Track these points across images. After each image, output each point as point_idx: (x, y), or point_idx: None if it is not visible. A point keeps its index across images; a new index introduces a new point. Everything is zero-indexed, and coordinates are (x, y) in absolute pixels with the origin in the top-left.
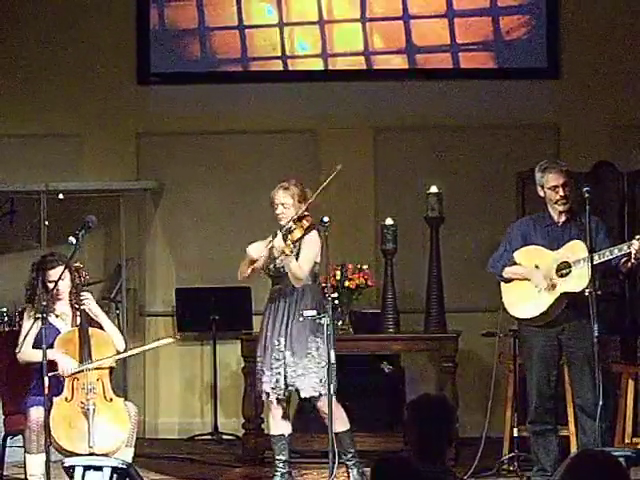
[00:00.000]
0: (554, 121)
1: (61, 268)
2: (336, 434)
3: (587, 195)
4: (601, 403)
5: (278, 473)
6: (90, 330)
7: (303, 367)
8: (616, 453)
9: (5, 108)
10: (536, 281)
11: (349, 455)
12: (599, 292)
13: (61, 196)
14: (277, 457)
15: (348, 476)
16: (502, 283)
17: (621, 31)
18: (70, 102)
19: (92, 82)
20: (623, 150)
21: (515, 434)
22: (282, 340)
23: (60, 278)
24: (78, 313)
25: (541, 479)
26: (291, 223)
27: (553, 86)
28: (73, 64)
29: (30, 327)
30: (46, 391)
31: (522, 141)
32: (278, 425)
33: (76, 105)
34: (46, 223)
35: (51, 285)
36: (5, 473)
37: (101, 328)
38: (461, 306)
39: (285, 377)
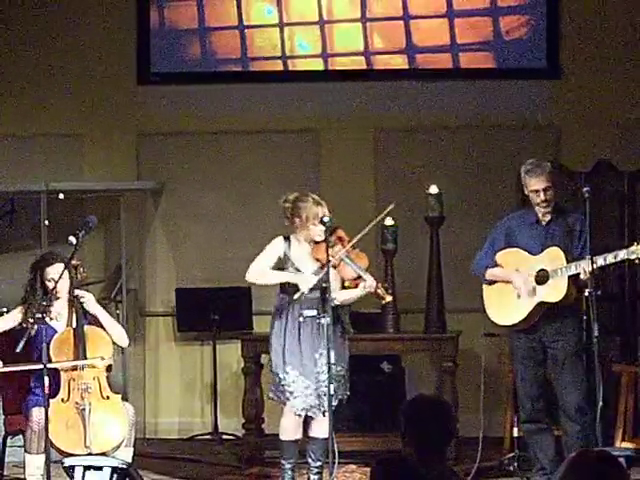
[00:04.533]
0: (554, 121)
1: (60, 265)
2: (316, 438)
3: (587, 195)
4: (601, 404)
5: (288, 476)
6: (86, 328)
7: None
8: (616, 453)
9: (5, 108)
10: (517, 284)
11: (319, 463)
12: (599, 292)
13: (61, 196)
14: (288, 461)
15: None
16: (484, 287)
17: (621, 31)
18: (70, 102)
19: (92, 82)
20: (623, 150)
21: (515, 434)
22: (324, 353)
23: (60, 277)
24: (74, 311)
25: (541, 478)
26: (342, 249)
27: (553, 86)
28: (73, 64)
29: (10, 317)
30: (46, 390)
31: (522, 141)
32: (295, 431)
33: (76, 105)
34: (46, 223)
35: (49, 284)
36: (5, 473)
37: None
38: (461, 306)
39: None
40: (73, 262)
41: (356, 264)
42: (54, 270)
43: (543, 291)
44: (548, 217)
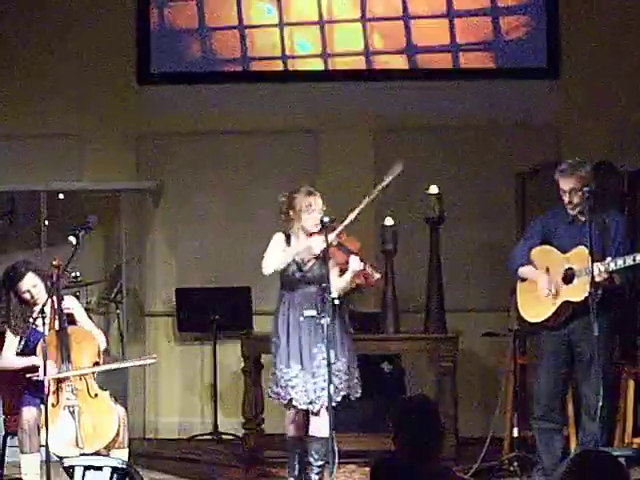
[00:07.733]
0: (554, 121)
1: (31, 275)
2: (318, 438)
3: (587, 195)
4: (600, 404)
5: (295, 466)
6: (69, 329)
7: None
8: (616, 453)
9: (5, 108)
10: (542, 285)
11: (321, 463)
12: (599, 292)
13: (61, 196)
14: (294, 452)
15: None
16: (517, 283)
17: (621, 31)
18: (70, 102)
19: (92, 82)
20: (623, 150)
21: (515, 434)
22: (322, 347)
23: (32, 294)
24: (57, 313)
25: (541, 479)
26: (336, 237)
27: (553, 86)
28: (73, 64)
29: (12, 340)
30: (46, 391)
31: (522, 141)
32: (297, 430)
33: (76, 105)
34: (46, 223)
35: (26, 296)
36: (5, 473)
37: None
38: (461, 306)
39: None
40: (55, 263)
41: (345, 246)
42: (27, 282)
43: (568, 290)
44: (584, 216)
